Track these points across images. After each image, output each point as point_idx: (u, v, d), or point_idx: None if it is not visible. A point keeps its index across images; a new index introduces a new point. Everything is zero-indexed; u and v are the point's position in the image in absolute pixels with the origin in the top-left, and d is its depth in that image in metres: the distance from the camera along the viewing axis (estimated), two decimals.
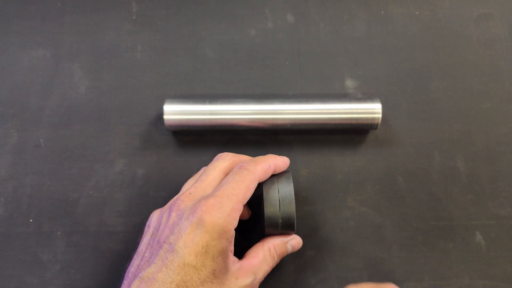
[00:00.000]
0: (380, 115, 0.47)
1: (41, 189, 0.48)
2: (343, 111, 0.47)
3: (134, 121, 0.50)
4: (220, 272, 0.34)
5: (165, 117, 0.46)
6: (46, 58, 0.52)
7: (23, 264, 0.45)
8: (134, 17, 0.54)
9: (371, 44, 0.54)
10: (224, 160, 0.40)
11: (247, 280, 0.36)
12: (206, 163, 0.42)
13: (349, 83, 0.52)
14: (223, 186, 0.36)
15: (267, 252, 0.39)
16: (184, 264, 0.33)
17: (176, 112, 0.47)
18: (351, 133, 0.50)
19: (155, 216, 0.39)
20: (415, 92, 0.52)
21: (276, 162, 0.40)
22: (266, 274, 0.39)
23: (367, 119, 0.47)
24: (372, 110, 0.47)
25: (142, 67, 0.52)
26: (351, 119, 0.47)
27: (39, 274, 0.45)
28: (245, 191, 0.36)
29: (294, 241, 0.41)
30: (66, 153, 0.49)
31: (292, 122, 0.47)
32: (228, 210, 0.35)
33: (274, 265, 0.40)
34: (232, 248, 0.36)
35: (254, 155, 0.42)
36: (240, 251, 0.39)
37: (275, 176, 0.41)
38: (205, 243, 0.33)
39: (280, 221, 0.39)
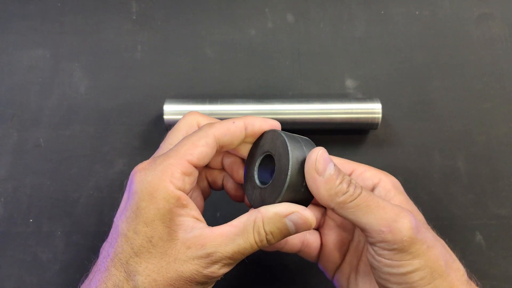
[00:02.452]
0: (380, 115, 0.47)
1: (41, 189, 0.48)
2: (343, 111, 0.47)
3: (134, 121, 0.50)
4: (160, 239, 0.28)
5: (165, 117, 0.46)
6: (45, 58, 0.52)
7: (22, 263, 0.45)
8: (134, 17, 0.54)
9: (371, 44, 0.54)
10: (184, 119, 0.34)
11: (201, 252, 0.28)
12: None
13: (349, 83, 0.52)
14: (169, 148, 0.31)
15: (250, 223, 0.29)
16: (118, 234, 0.29)
17: (176, 112, 0.47)
18: (351, 133, 0.50)
19: None
20: (415, 92, 0.52)
21: (249, 120, 0.33)
22: (242, 252, 0.29)
23: (367, 119, 0.47)
24: (372, 110, 0.47)
25: (142, 67, 0.52)
26: (351, 119, 0.47)
27: (39, 274, 0.45)
28: (189, 147, 0.30)
29: (295, 216, 0.30)
30: (66, 153, 0.49)
31: (292, 122, 0.47)
32: (161, 168, 0.29)
33: (261, 244, 0.30)
34: (190, 212, 0.30)
35: None
36: None
37: (299, 138, 0.34)
38: (134, 206, 0.29)
39: (305, 183, 0.31)
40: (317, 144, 0.47)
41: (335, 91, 0.52)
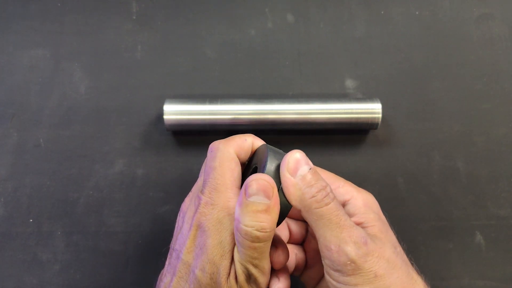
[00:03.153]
0: (380, 115, 0.47)
1: (41, 189, 0.48)
2: (343, 111, 0.47)
3: (134, 121, 0.50)
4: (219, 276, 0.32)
5: (165, 117, 0.46)
6: (46, 58, 0.52)
7: (22, 263, 0.45)
8: (134, 17, 0.54)
9: (371, 44, 0.53)
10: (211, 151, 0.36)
11: None
12: None
13: (349, 83, 0.52)
14: (205, 177, 0.33)
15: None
16: (190, 269, 0.32)
17: (176, 112, 0.47)
18: (351, 133, 0.50)
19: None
20: (415, 92, 0.52)
21: (254, 139, 0.36)
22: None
23: (367, 119, 0.47)
24: (372, 110, 0.47)
25: (142, 67, 0.52)
26: (351, 119, 0.47)
27: (39, 274, 0.45)
28: (229, 173, 0.33)
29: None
30: (66, 153, 0.49)
31: (292, 122, 0.47)
32: (222, 203, 0.32)
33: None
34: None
35: None
36: None
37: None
38: (202, 243, 0.32)
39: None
40: (317, 144, 0.47)
41: (335, 91, 0.52)
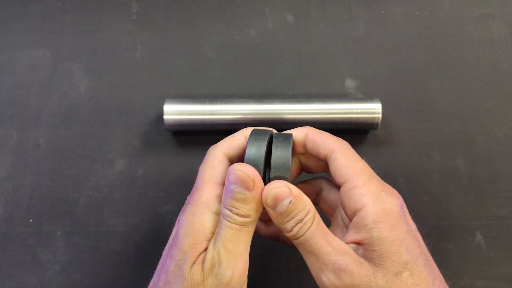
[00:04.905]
0: (380, 115, 0.47)
1: (41, 189, 0.48)
2: (343, 111, 0.47)
3: (134, 121, 0.50)
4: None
5: (165, 117, 0.46)
6: (46, 58, 0.52)
7: (22, 264, 0.45)
8: (134, 17, 0.54)
9: (371, 44, 0.53)
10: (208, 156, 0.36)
11: None
12: None
13: (349, 83, 0.52)
14: (196, 179, 0.34)
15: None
16: (164, 260, 0.32)
17: (176, 112, 0.47)
18: (351, 133, 0.50)
19: None
20: (415, 92, 0.52)
21: (245, 132, 0.35)
22: None
23: (367, 119, 0.47)
24: (372, 110, 0.47)
25: (142, 67, 0.52)
26: (351, 119, 0.47)
27: (39, 274, 0.45)
28: (208, 170, 0.33)
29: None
30: (66, 153, 0.49)
31: (292, 122, 0.47)
32: (196, 202, 0.32)
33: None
34: None
35: None
36: None
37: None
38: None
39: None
40: None
41: (335, 91, 0.52)
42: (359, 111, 0.47)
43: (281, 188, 0.30)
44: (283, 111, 0.47)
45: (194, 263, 0.30)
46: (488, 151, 0.50)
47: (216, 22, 0.54)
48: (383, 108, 0.48)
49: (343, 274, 0.28)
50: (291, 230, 0.30)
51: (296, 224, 0.30)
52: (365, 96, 0.51)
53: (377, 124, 0.47)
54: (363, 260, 0.29)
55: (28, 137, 0.49)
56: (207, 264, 0.29)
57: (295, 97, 0.51)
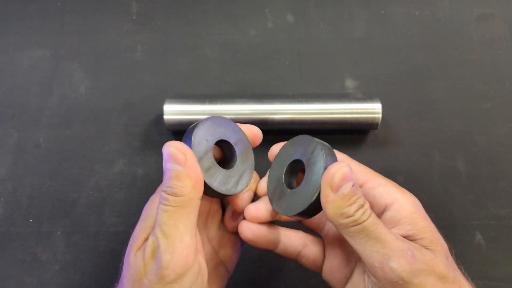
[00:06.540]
0: (380, 115, 0.47)
1: (41, 189, 0.48)
2: (343, 111, 0.47)
3: (134, 121, 0.50)
4: None
5: (165, 117, 0.46)
6: (46, 58, 0.52)
7: (22, 264, 0.45)
8: (134, 17, 0.54)
9: (371, 44, 0.53)
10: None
11: None
12: None
13: (349, 83, 0.52)
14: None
15: None
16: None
17: (176, 112, 0.47)
18: (351, 133, 0.50)
19: None
20: (415, 92, 0.52)
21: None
22: None
23: (367, 119, 0.47)
24: (372, 110, 0.47)
25: (142, 67, 0.52)
26: (351, 119, 0.47)
27: (39, 274, 0.45)
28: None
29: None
30: (66, 153, 0.49)
31: (292, 122, 0.47)
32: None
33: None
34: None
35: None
36: None
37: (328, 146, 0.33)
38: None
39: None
40: None
41: (335, 91, 0.52)
42: (359, 111, 0.47)
43: (347, 169, 0.29)
44: (283, 111, 0.47)
45: (138, 250, 0.30)
46: (488, 151, 0.50)
47: (216, 22, 0.54)
48: (383, 108, 0.48)
49: (412, 260, 0.28)
50: (353, 215, 0.28)
51: (358, 209, 0.28)
52: (365, 96, 0.51)
53: (377, 124, 0.47)
54: (421, 247, 0.29)
55: (28, 137, 0.49)
56: (148, 249, 0.29)
57: (295, 97, 0.51)
